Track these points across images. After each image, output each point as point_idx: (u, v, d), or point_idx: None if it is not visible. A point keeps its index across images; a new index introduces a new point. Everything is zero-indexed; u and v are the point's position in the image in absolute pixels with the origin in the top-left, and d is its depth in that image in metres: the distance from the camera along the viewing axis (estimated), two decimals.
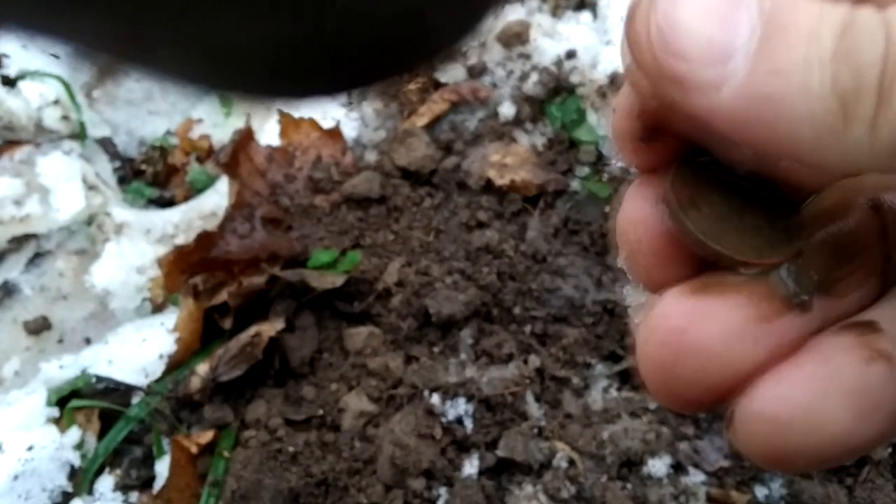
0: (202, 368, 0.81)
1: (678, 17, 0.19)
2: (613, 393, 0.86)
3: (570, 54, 1.05)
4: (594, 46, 1.05)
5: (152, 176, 1.03)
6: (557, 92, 1.04)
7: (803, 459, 0.21)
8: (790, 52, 0.18)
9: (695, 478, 0.81)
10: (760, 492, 0.81)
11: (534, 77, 1.03)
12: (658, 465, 0.80)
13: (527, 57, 1.06)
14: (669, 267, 0.24)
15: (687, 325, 0.22)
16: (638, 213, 0.25)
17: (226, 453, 0.78)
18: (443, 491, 0.78)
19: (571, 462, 0.80)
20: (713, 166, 0.24)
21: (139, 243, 0.93)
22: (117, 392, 0.82)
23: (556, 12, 1.14)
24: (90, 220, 0.96)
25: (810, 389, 0.21)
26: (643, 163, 0.25)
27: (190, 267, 0.85)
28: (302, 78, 0.16)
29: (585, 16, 1.10)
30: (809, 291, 0.23)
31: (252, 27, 0.14)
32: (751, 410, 0.22)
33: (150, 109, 1.09)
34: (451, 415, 0.82)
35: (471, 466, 0.79)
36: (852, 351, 0.21)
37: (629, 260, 0.25)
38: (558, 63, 1.04)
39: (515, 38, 1.06)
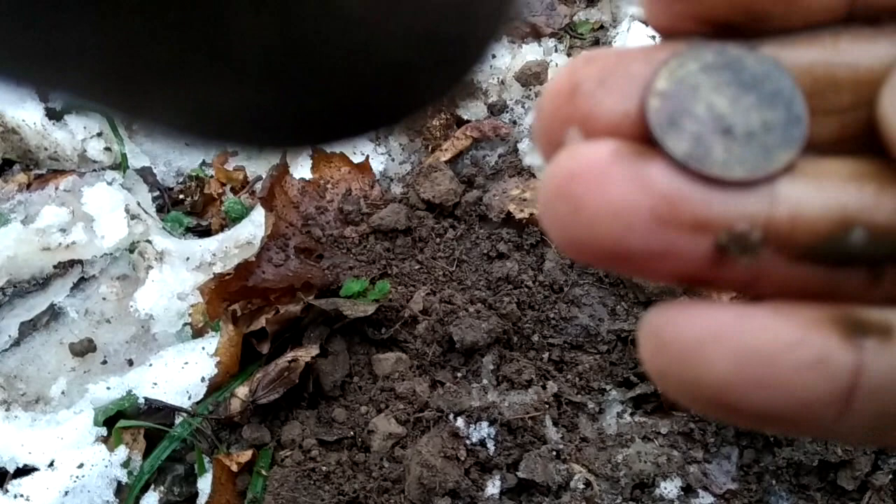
0: (241, 391, 0.86)
1: None
2: (627, 418, 0.91)
3: None
4: None
5: (190, 205, 1.08)
6: None
7: (680, 393, 0.19)
8: None
9: (704, 500, 0.85)
10: None
11: None
12: (669, 487, 0.85)
13: None
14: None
15: (609, 185, 0.19)
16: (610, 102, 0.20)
17: (263, 472, 0.83)
18: None
19: (588, 483, 0.85)
20: (706, 56, 0.20)
21: (179, 270, 0.98)
22: (161, 413, 0.87)
23: (571, 52, 1.20)
24: (132, 248, 1.01)
25: (734, 348, 0.18)
26: (656, 17, 0.21)
27: (230, 294, 0.90)
28: (291, 133, 0.17)
29: None
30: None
31: (239, 90, 0.15)
32: (651, 323, 0.19)
33: (187, 141, 1.15)
34: (475, 437, 0.87)
35: (493, 487, 0.84)
36: (828, 331, 0.18)
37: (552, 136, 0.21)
38: None
39: (534, 77, 1.12)
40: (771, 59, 0.20)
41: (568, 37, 1.22)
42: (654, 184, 0.19)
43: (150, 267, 0.98)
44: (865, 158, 0.19)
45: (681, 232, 0.19)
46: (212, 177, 1.11)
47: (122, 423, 0.85)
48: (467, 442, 0.86)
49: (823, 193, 0.19)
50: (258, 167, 1.10)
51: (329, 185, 1.03)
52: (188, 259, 1.00)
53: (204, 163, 1.13)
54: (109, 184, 1.06)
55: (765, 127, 0.19)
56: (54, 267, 1.02)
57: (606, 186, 0.19)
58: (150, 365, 0.91)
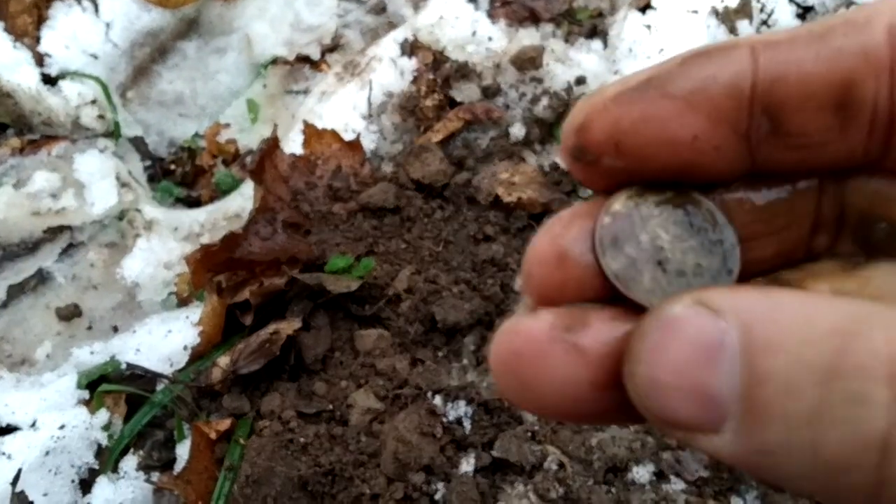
0: (223, 361, 0.87)
1: (660, 388, 0.18)
2: None
3: (580, 80, 1.11)
4: (603, 74, 1.11)
5: (181, 176, 1.09)
6: (566, 116, 1.09)
7: None
8: (773, 421, 0.17)
9: (675, 486, 0.87)
10: (736, 502, 0.87)
11: (544, 101, 1.09)
12: (642, 472, 0.86)
13: (539, 81, 1.12)
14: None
15: (532, 356, 0.21)
16: (563, 246, 0.22)
17: (242, 441, 0.84)
18: (440, 486, 0.85)
19: (561, 465, 0.86)
20: (667, 193, 0.22)
21: (167, 240, 0.99)
22: (143, 379, 0.88)
23: (569, 38, 1.20)
24: (121, 216, 1.02)
25: None
26: (590, 183, 0.23)
27: (215, 265, 0.91)
28: None
29: (596, 44, 1.16)
30: None
31: None
32: None
33: (181, 112, 1.15)
34: (452, 416, 0.88)
35: (467, 464, 0.86)
36: None
37: (533, 290, 0.23)
38: (568, 89, 1.10)
39: (529, 62, 1.12)
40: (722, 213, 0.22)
41: (566, 23, 1.21)
42: (588, 354, 0.20)
43: (138, 235, 0.99)
44: None
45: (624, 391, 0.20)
46: (203, 148, 1.12)
47: (104, 387, 0.86)
48: (444, 420, 0.87)
49: None
50: (250, 140, 1.10)
51: (319, 162, 1.04)
52: (176, 229, 1.00)
53: (196, 134, 1.14)
54: (101, 151, 1.06)
55: (696, 270, 0.21)
56: (44, 232, 1.02)
57: (547, 366, 0.20)
58: (135, 332, 0.92)
